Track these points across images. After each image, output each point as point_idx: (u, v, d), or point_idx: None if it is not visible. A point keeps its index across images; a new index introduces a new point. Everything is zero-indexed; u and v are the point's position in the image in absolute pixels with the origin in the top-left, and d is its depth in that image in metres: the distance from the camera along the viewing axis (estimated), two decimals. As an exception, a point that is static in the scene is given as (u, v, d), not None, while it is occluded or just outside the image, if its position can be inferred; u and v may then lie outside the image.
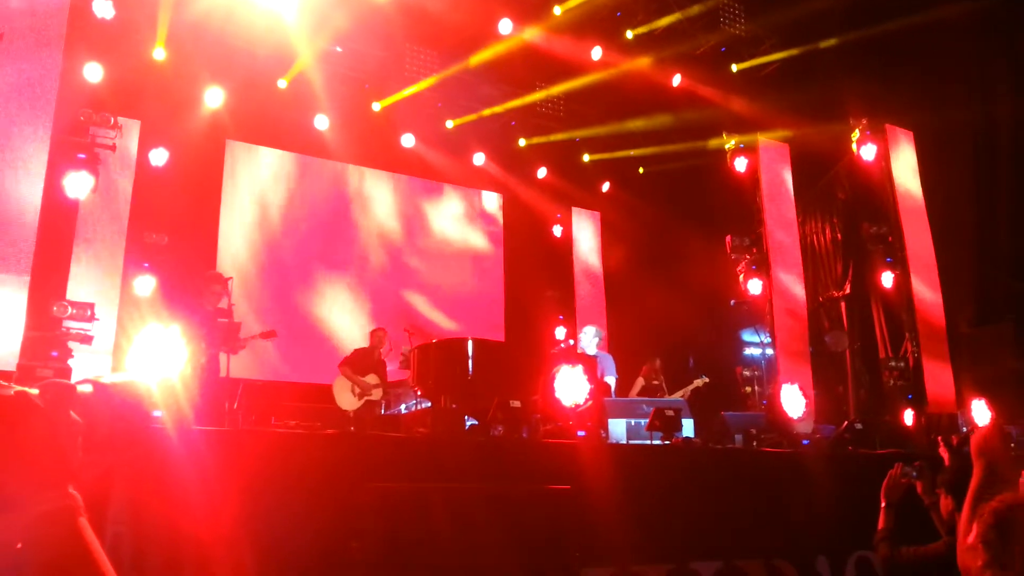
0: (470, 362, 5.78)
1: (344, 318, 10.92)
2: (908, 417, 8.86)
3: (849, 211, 10.89)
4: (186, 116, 9.74)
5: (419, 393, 7.55)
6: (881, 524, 3.34)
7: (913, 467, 3.38)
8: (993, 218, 10.62)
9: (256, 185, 10.88)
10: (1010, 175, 10.35)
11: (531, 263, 12.48)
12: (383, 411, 8.75)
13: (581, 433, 5.62)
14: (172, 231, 9.07)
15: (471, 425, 5.51)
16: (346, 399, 8.32)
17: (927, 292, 9.99)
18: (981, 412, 7.81)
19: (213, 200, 10.41)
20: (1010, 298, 10.12)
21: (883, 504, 3.40)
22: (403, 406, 8.92)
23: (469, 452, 4.55)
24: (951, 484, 3.06)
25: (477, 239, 12.57)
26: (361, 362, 8.47)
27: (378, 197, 11.73)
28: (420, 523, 3.45)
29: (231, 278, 6.94)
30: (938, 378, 9.73)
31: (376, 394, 8.41)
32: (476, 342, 5.96)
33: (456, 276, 12.11)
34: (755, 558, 5.21)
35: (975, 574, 2.22)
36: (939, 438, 4.31)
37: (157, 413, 3.33)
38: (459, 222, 12.42)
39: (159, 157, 9.34)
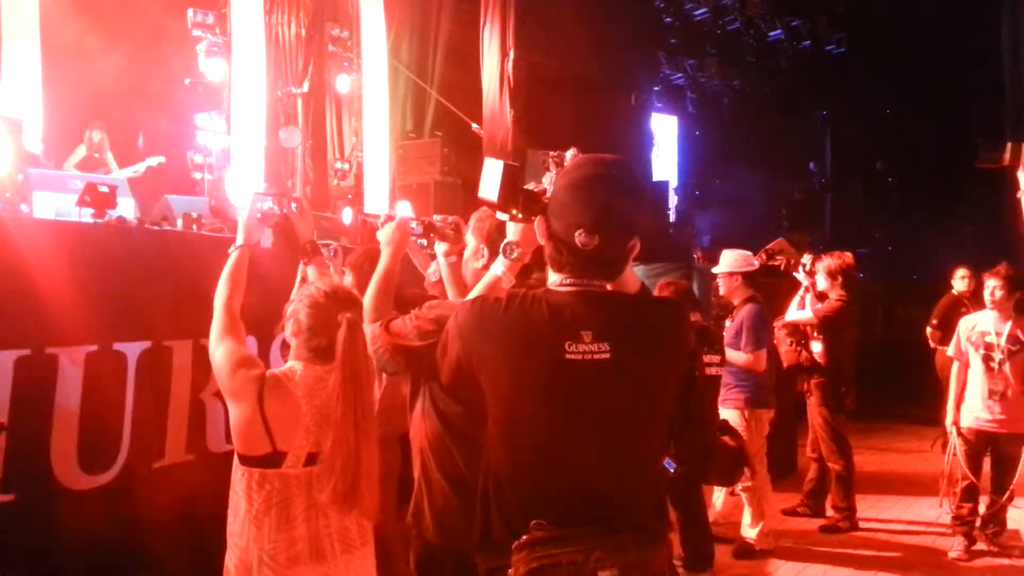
0: None
1: None
2: (347, 215, 9.65)
3: (316, 8, 10.95)
4: None
5: None
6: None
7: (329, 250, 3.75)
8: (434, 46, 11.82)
9: None
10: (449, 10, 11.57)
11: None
12: None
13: (-8, 206, 4.97)
14: None
15: None
16: None
17: (376, 99, 10.79)
18: (404, 210, 8.92)
19: None
20: (439, 119, 11.57)
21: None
22: None
23: None
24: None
25: None
26: None
27: None
28: None
29: None
30: (376, 181, 10.78)
31: None
32: None
33: None
34: (184, 338, 5.30)
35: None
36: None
37: None
38: None
39: None
